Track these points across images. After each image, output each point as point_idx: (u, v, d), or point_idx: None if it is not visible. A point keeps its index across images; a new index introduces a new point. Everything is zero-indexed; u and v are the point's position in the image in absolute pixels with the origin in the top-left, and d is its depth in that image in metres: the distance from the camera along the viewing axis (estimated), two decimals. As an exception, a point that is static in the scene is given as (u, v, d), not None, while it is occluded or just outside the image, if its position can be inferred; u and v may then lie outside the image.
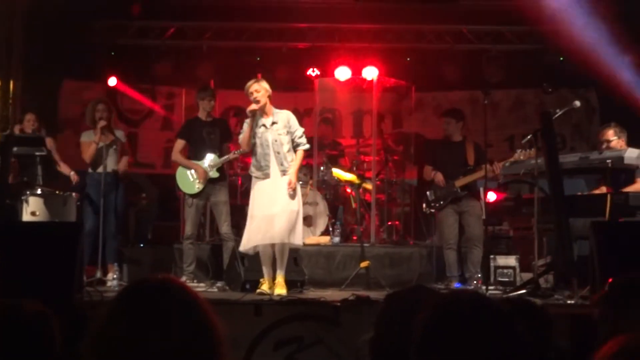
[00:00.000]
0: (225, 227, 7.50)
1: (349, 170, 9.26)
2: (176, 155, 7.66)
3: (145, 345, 1.48)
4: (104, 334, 1.52)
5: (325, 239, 8.59)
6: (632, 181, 6.80)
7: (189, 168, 7.50)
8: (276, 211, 6.45)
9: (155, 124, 11.22)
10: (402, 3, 9.45)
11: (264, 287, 6.55)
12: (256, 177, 6.62)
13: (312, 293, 6.84)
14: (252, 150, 6.66)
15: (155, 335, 1.49)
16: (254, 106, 6.48)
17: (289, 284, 6.65)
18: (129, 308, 1.55)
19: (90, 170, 7.59)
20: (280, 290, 6.47)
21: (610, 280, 2.53)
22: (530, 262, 7.27)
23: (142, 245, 8.68)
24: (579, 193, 7.40)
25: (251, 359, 5.22)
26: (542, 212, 6.79)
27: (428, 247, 8.22)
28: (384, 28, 10.32)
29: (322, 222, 8.78)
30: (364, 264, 7.55)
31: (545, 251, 7.46)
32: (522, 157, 7.10)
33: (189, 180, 7.49)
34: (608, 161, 6.46)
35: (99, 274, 7.14)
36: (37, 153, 7.16)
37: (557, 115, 6.69)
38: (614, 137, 6.87)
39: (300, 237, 6.67)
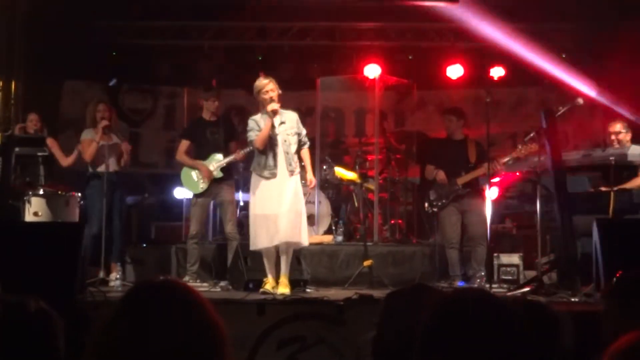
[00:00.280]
0: (229, 227, 7.49)
1: (352, 169, 9.26)
2: (181, 156, 7.65)
3: (148, 345, 1.48)
4: (107, 335, 1.52)
5: (328, 238, 8.59)
6: (635, 177, 6.81)
7: (194, 168, 7.51)
8: (283, 211, 6.45)
9: (157, 123, 11.22)
10: (405, 1, 9.45)
11: (267, 286, 6.55)
12: (260, 176, 6.60)
13: (315, 292, 6.85)
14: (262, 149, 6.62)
15: (158, 336, 1.49)
16: (275, 105, 6.47)
17: (292, 283, 6.66)
18: (131, 309, 1.56)
19: (90, 169, 7.59)
20: (284, 289, 6.47)
21: (616, 275, 2.52)
22: (534, 260, 7.27)
23: (144, 245, 8.68)
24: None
25: (254, 359, 5.22)
26: (546, 210, 6.80)
27: (431, 246, 8.23)
28: (386, 26, 10.30)
29: (325, 221, 8.78)
30: (367, 263, 7.55)
31: (549, 249, 7.45)
32: (523, 152, 7.10)
33: (194, 179, 7.50)
34: (611, 158, 6.47)
35: (102, 274, 7.14)
36: (39, 153, 7.16)
37: (560, 113, 6.70)
38: (623, 130, 6.92)
39: (305, 237, 6.68)
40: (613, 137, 6.95)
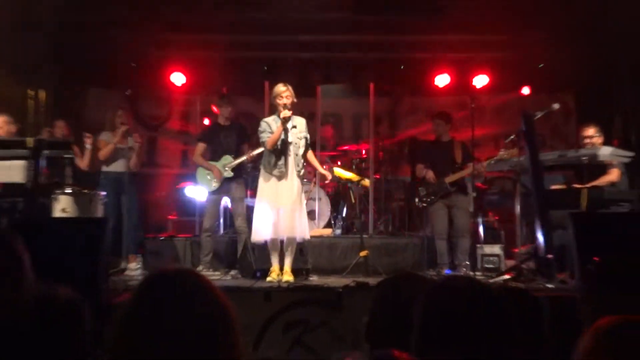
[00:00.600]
0: (239, 221, 7.54)
1: (349, 169, 9.26)
2: (197, 157, 7.74)
3: (164, 329, 1.48)
4: (126, 319, 1.52)
5: (328, 231, 8.60)
6: (605, 174, 6.81)
7: (207, 169, 7.54)
8: (286, 208, 6.44)
9: (173, 128, 11.23)
10: (396, 16, 9.42)
11: (273, 275, 6.55)
12: (268, 174, 6.59)
13: (316, 280, 6.86)
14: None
15: (173, 319, 1.49)
16: (288, 113, 6.46)
17: (296, 272, 6.66)
18: (147, 295, 1.55)
19: (104, 168, 7.66)
20: (288, 277, 6.48)
21: (591, 262, 2.51)
22: (514, 250, 7.27)
23: (162, 238, 8.67)
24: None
25: (262, 341, 5.23)
26: (524, 205, 6.79)
27: (421, 238, 8.22)
28: (380, 39, 10.29)
29: (325, 216, 8.78)
30: (363, 254, 7.55)
31: (527, 240, 7.45)
32: (505, 156, 7.11)
33: (207, 179, 7.60)
34: (584, 158, 6.47)
35: (123, 265, 7.17)
36: (66, 156, 7.16)
37: (537, 117, 6.69)
38: (595, 134, 6.92)
39: (306, 231, 6.68)
40: (587, 140, 6.94)
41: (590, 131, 6.95)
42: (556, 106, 6.92)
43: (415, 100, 10.89)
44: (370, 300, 2.47)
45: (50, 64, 9.08)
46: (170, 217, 9.90)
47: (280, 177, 6.51)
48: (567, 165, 6.82)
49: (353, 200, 9.18)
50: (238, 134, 7.68)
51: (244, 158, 7.56)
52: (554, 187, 6.98)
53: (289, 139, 6.54)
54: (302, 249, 7.14)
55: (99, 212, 7.19)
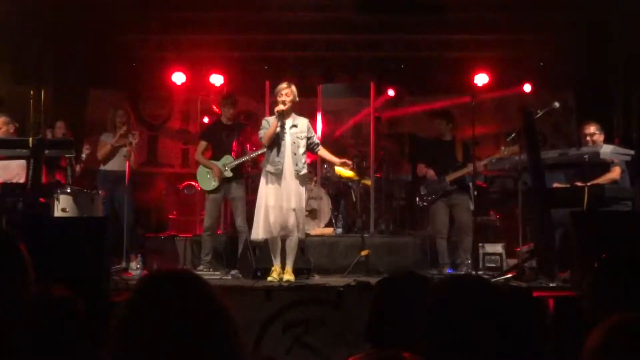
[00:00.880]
0: (240, 220, 7.55)
1: (350, 168, 9.24)
2: (198, 155, 7.78)
3: (161, 330, 1.47)
4: (124, 320, 1.50)
5: (329, 230, 8.58)
6: (606, 172, 6.79)
7: (208, 167, 7.56)
8: (287, 207, 6.43)
9: (174, 127, 11.23)
10: (396, 15, 9.41)
11: (274, 274, 6.53)
12: (268, 171, 6.57)
13: (317, 279, 6.84)
14: (270, 146, 6.58)
15: (170, 320, 1.48)
16: (281, 107, 6.44)
17: (296, 271, 6.64)
18: (148, 294, 1.54)
19: (102, 167, 7.73)
20: (289, 277, 6.46)
21: (596, 260, 2.49)
22: (516, 249, 7.26)
23: (162, 237, 8.67)
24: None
25: (262, 341, 5.21)
26: (526, 204, 6.78)
27: (422, 237, 8.21)
28: (380, 38, 10.28)
29: (326, 215, 8.77)
30: (364, 253, 7.53)
31: (529, 239, 7.44)
32: (506, 154, 7.09)
33: (207, 178, 7.61)
34: (585, 156, 6.44)
35: (123, 264, 7.17)
36: (67, 155, 7.15)
37: (538, 115, 6.67)
38: (597, 131, 6.91)
39: (303, 232, 6.65)
40: (588, 137, 6.92)
41: (592, 128, 6.94)
42: (557, 104, 6.90)
43: (415, 99, 10.86)
44: (371, 299, 2.46)
45: (51, 64, 9.07)
46: (170, 216, 9.90)
47: (278, 175, 6.47)
48: (568, 164, 6.80)
49: (354, 200, 9.17)
50: (240, 134, 7.72)
51: (244, 158, 7.58)
52: (555, 185, 6.97)
53: (288, 138, 6.52)
54: (303, 248, 7.12)
55: (100, 211, 7.19)
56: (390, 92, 10.47)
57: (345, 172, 9.06)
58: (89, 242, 5.52)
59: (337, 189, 9.37)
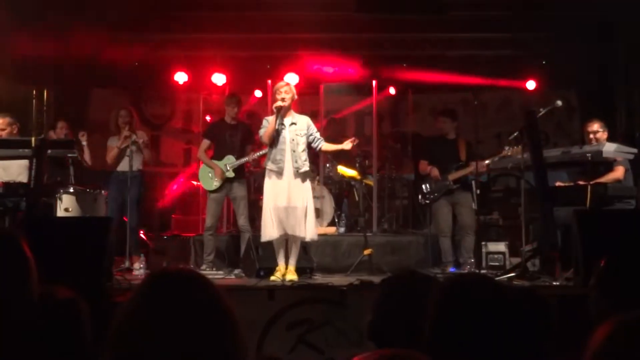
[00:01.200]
0: (242, 220, 7.57)
1: (352, 167, 9.24)
2: (201, 154, 7.80)
3: (163, 329, 1.46)
4: (126, 320, 1.50)
5: (332, 230, 8.58)
6: (610, 171, 6.78)
7: (210, 167, 7.55)
8: (289, 206, 6.42)
9: (176, 127, 11.24)
10: (398, 13, 9.40)
11: (277, 274, 6.53)
12: (270, 170, 6.56)
13: (320, 279, 6.83)
14: (270, 144, 6.57)
15: (172, 320, 1.47)
16: (279, 103, 6.44)
17: (299, 270, 6.64)
18: (151, 294, 1.54)
19: (113, 169, 7.71)
20: (292, 276, 6.46)
21: (602, 259, 2.47)
22: (518, 247, 7.25)
23: (165, 237, 8.68)
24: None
25: (265, 340, 5.21)
26: (529, 202, 6.77)
27: (425, 236, 8.21)
28: (382, 37, 10.27)
29: (328, 214, 8.76)
30: (367, 252, 7.53)
31: (532, 238, 7.43)
32: (509, 153, 7.08)
33: (209, 177, 7.61)
34: (588, 155, 6.43)
35: (127, 264, 7.18)
36: (69, 155, 7.16)
37: (541, 114, 6.66)
38: (600, 129, 6.89)
39: (312, 232, 6.57)
40: (591, 135, 6.90)
41: (595, 126, 6.92)
42: (559, 103, 6.89)
43: (418, 97, 10.85)
44: (374, 298, 2.45)
45: (53, 64, 9.07)
46: (174, 215, 9.91)
47: (280, 173, 6.47)
48: (571, 162, 6.78)
49: (357, 198, 9.17)
50: (243, 135, 7.71)
51: (246, 159, 7.58)
52: (558, 184, 6.96)
53: (288, 135, 6.51)
54: (306, 248, 7.12)
55: (103, 211, 7.19)
56: (392, 90, 10.46)
57: (348, 172, 9.05)
58: (91, 242, 5.53)
59: (340, 188, 9.37)
